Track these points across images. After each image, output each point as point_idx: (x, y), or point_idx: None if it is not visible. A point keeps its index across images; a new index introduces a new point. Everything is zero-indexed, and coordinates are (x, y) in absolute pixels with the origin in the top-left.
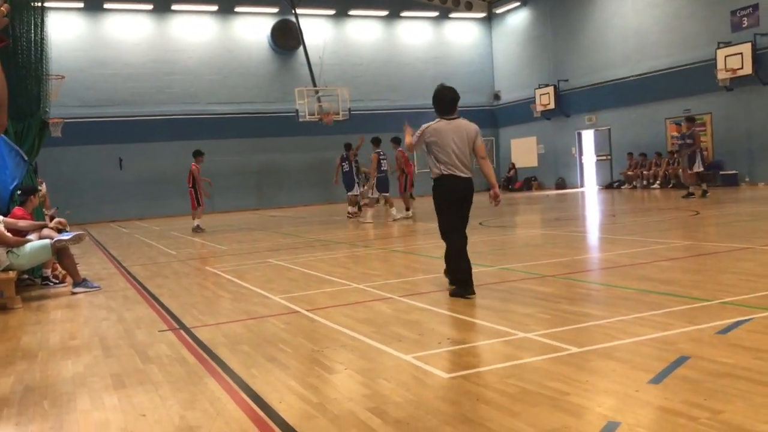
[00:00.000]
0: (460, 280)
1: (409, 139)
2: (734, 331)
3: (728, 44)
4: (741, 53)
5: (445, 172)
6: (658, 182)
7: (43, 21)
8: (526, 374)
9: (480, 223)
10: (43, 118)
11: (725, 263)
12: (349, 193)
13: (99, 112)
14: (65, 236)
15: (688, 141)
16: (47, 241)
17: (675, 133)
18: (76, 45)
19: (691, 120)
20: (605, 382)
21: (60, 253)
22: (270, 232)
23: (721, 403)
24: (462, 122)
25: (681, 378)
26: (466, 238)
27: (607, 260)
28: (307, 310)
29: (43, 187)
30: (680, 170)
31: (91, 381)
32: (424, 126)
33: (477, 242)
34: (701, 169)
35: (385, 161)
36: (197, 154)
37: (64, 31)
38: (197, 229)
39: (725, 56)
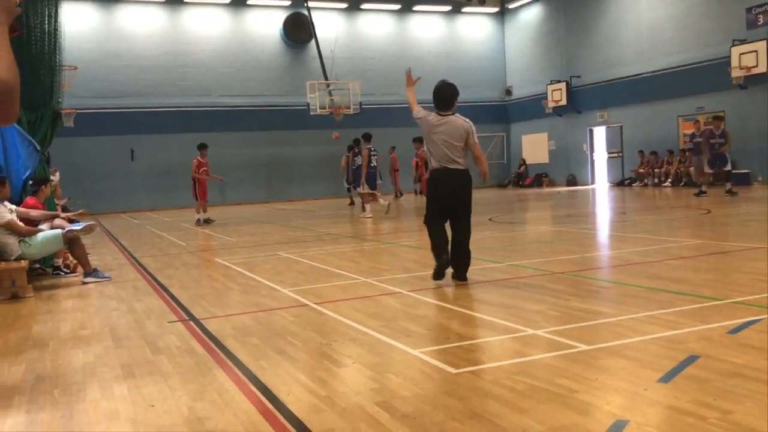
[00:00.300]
0: (436, 257)
1: (411, 92)
2: (745, 331)
3: (743, 41)
4: (756, 51)
5: (435, 165)
6: (669, 180)
7: (56, 12)
8: (535, 371)
9: (490, 219)
10: (55, 109)
11: (737, 263)
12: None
13: (112, 103)
14: (76, 226)
15: (720, 140)
16: (59, 231)
17: (693, 131)
18: (90, 36)
19: (719, 118)
20: (614, 380)
21: (71, 243)
22: (279, 225)
23: (731, 403)
24: (455, 119)
25: (690, 377)
26: (466, 232)
27: (618, 258)
28: (316, 304)
29: (56, 176)
30: (691, 168)
31: (101, 371)
32: (424, 112)
33: (487, 238)
34: (730, 168)
35: (375, 157)
36: (201, 147)
37: (78, 23)
38: (199, 222)
39: (740, 54)
